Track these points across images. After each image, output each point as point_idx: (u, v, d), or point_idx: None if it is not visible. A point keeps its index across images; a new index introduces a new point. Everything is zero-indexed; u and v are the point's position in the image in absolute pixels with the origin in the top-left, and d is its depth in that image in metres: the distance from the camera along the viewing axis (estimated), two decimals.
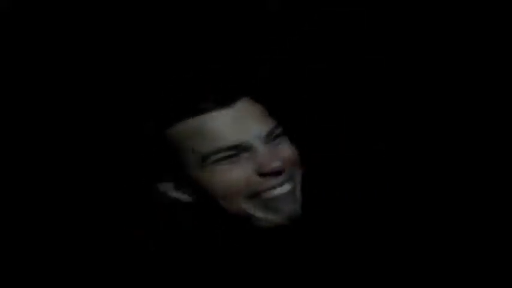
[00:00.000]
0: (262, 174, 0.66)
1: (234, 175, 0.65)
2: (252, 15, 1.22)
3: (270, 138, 0.68)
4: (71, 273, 1.04)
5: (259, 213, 0.66)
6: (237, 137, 0.66)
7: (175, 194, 0.72)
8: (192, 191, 0.70)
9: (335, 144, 1.15)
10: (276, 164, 0.65)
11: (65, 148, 1.16)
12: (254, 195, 0.66)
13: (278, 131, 0.70)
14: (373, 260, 0.73)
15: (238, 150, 0.66)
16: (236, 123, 0.66)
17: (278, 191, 0.67)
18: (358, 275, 0.72)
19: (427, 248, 0.90)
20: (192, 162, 0.67)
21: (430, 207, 1.07)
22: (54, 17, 1.17)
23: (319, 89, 1.22)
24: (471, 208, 1.10)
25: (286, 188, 0.68)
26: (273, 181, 0.66)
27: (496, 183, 1.13)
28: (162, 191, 0.72)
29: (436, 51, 1.22)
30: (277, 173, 0.66)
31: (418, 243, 0.89)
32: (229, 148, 0.66)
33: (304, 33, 1.23)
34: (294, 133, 0.73)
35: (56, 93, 1.19)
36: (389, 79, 1.23)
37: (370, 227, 0.81)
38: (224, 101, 0.67)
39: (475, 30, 1.20)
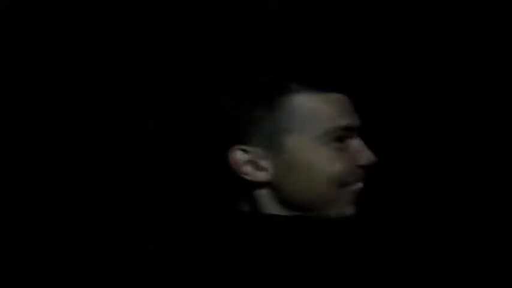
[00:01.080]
0: (359, 166, 0.67)
1: (341, 160, 0.65)
2: (252, 15, 1.22)
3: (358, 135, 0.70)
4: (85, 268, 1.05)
5: (340, 204, 0.67)
6: (352, 120, 0.67)
7: (247, 164, 0.67)
8: (281, 165, 0.66)
9: None
10: (373, 158, 0.67)
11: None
12: (345, 186, 0.66)
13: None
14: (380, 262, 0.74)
15: (346, 134, 0.66)
16: (349, 107, 0.68)
17: (361, 185, 0.68)
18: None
19: (429, 248, 0.90)
20: (309, 135, 0.65)
21: (431, 207, 1.07)
22: (54, 17, 1.17)
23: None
24: (471, 208, 1.10)
25: (362, 185, 0.69)
26: (362, 174, 0.68)
27: (496, 183, 1.13)
28: (233, 160, 0.67)
29: (436, 52, 1.22)
30: (368, 167, 0.67)
31: (421, 243, 0.89)
32: (343, 128, 0.66)
33: (304, 33, 1.23)
34: None
35: (56, 92, 1.19)
36: (390, 79, 1.23)
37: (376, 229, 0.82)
38: (341, 87, 0.69)
39: (475, 31, 1.20)
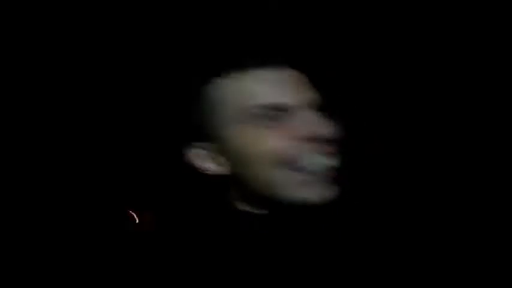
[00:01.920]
0: (308, 140, 0.59)
1: (270, 139, 0.60)
2: (252, 15, 1.22)
3: (315, 108, 0.62)
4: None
5: (293, 185, 0.59)
6: (280, 97, 0.61)
7: (206, 159, 0.65)
8: (228, 155, 0.63)
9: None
10: (328, 130, 0.59)
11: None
12: (292, 162, 0.59)
13: (323, 106, 0.64)
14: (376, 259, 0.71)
15: (279, 112, 0.60)
16: (280, 85, 0.62)
17: (319, 159, 0.59)
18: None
19: (428, 248, 0.89)
20: (230, 119, 0.62)
21: (431, 207, 1.07)
22: (54, 17, 1.17)
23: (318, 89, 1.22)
24: (471, 208, 1.10)
25: (329, 162, 0.60)
26: (317, 148, 0.59)
27: (496, 184, 1.13)
28: (191, 157, 0.65)
29: (436, 52, 1.22)
30: (327, 140, 0.60)
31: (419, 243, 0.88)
32: (269, 107, 0.60)
33: (304, 33, 1.23)
34: None
35: (57, 92, 1.19)
36: (390, 79, 1.23)
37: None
38: (271, 62, 0.63)
39: (475, 31, 1.20)
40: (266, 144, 0.60)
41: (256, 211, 0.64)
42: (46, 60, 1.19)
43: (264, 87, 0.62)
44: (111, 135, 1.15)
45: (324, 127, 0.60)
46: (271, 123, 0.60)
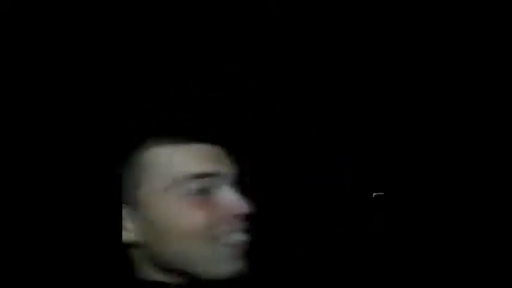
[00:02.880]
0: (228, 218, 0.61)
1: (199, 211, 0.60)
2: (252, 15, 1.21)
3: (234, 184, 0.65)
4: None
5: (215, 261, 0.61)
6: (211, 167, 0.63)
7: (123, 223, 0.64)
8: (141, 222, 0.63)
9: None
10: (244, 208, 0.62)
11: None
12: (214, 239, 0.61)
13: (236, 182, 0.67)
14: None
15: (203, 187, 0.62)
16: (212, 156, 0.64)
17: (238, 236, 0.62)
18: None
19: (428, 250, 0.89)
20: (159, 188, 0.62)
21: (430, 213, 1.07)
22: (54, 17, 1.17)
23: (319, 90, 1.22)
24: (471, 209, 1.10)
25: (244, 237, 0.63)
26: (235, 226, 0.62)
27: (496, 184, 1.13)
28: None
29: (436, 52, 1.22)
30: (244, 218, 0.62)
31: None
32: (199, 176, 0.62)
33: (304, 33, 1.23)
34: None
35: (56, 92, 1.19)
36: (390, 79, 1.23)
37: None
38: (206, 136, 0.65)
39: (475, 31, 1.20)
40: (190, 219, 0.60)
41: (165, 280, 0.63)
42: (46, 60, 1.19)
43: (191, 158, 0.62)
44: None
45: (242, 206, 0.62)
46: (194, 198, 0.61)
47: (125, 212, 0.63)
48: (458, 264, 0.95)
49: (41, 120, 1.14)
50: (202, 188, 0.62)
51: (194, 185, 0.61)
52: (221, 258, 0.61)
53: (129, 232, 0.63)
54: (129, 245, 0.64)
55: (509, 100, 1.18)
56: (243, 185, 0.66)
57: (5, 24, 1.13)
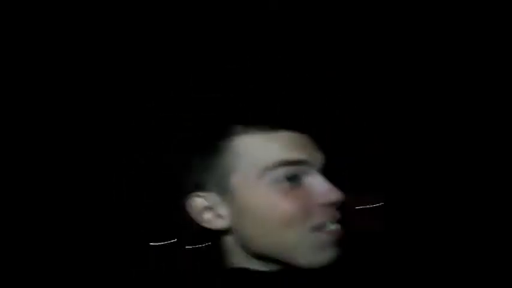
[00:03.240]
0: (323, 205, 0.61)
1: (293, 198, 0.60)
2: (252, 15, 1.21)
3: (322, 171, 0.64)
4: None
5: (308, 249, 0.60)
6: (301, 155, 0.62)
7: (204, 211, 0.64)
8: (235, 209, 0.63)
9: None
10: (337, 196, 0.61)
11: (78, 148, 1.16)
12: (310, 227, 0.60)
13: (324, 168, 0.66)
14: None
15: (296, 171, 0.62)
16: (301, 144, 0.64)
17: (333, 225, 0.61)
18: None
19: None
20: (251, 175, 0.62)
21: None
22: (54, 17, 1.16)
23: (320, 90, 1.22)
24: (471, 209, 1.10)
25: (339, 226, 0.62)
26: (331, 214, 0.61)
27: (496, 184, 1.14)
28: (191, 208, 0.65)
29: (436, 52, 1.22)
30: (337, 206, 0.62)
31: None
32: (288, 163, 0.61)
33: (304, 33, 1.23)
34: None
35: (56, 92, 1.19)
36: (390, 79, 1.23)
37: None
38: (295, 124, 0.65)
39: (475, 31, 1.20)
40: (283, 206, 0.60)
41: (255, 268, 0.63)
42: (46, 60, 1.19)
43: (282, 145, 0.63)
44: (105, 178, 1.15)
45: (336, 194, 0.61)
46: (285, 185, 0.61)
47: (219, 199, 0.64)
48: (457, 264, 0.95)
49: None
50: (292, 175, 0.62)
51: (284, 171, 0.61)
52: (316, 247, 0.60)
53: (224, 219, 0.63)
54: (224, 232, 0.64)
55: (509, 100, 1.18)
56: (330, 173, 0.65)
57: (5, 24, 1.13)
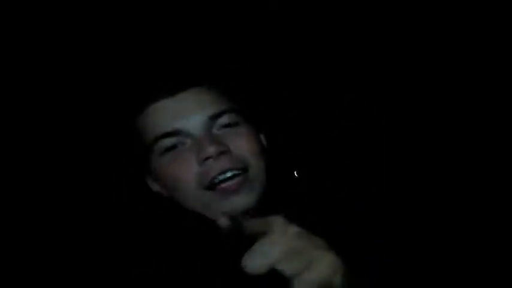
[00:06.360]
0: (202, 161, 0.64)
1: (177, 164, 0.65)
2: (252, 15, 1.22)
3: (216, 124, 0.67)
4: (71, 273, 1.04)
5: (213, 205, 0.65)
6: (174, 124, 0.66)
7: (156, 188, 0.73)
8: (158, 182, 0.72)
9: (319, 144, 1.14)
10: (212, 149, 0.64)
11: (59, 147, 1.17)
12: (208, 187, 0.65)
13: (232, 118, 0.68)
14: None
15: (179, 138, 0.66)
16: (174, 112, 0.66)
17: (226, 176, 0.64)
18: None
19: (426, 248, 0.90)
20: (143, 154, 0.70)
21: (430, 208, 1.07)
22: (54, 17, 1.17)
23: (319, 89, 1.22)
24: (471, 209, 1.10)
25: (236, 180, 0.65)
26: (216, 166, 0.64)
27: (496, 184, 1.13)
28: (149, 182, 0.74)
29: (436, 52, 1.22)
30: (215, 156, 0.64)
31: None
32: (167, 135, 0.66)
33: (304, 33, 1.23)
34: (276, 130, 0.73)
35: (56, 92, 1.19)
36: (389, 79, 1.23)
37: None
38: (166, 91, 0.68)
39: (474, 31, 1.20)
40: (174, 172, 0.66)
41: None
42: (46, 60, 1.19)
43: (155, 118, 0.67)
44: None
45: (211, 145, 0.64)
46: (177, 150, 0.66)
47: (152, 177, 0.72)
48: (457, 263, 0.95)
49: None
50: (172, 145, 0.67)
51: (162, 144, 0.67)
52: (219, 198, 0.65)
53: (163, 189, 0.71)
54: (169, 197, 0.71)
55: (509, 101, 1.18)
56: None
57: (5, 24, 1.13)
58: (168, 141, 0.66)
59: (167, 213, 0.70)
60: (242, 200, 0.64)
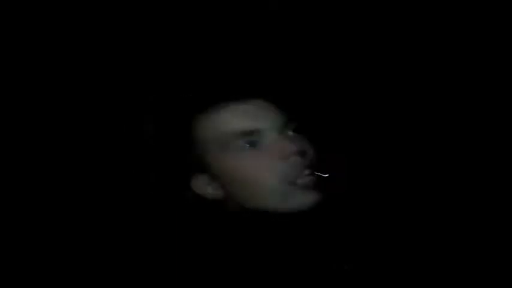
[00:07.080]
0: (287, 157, 0.68)
1: (259, 161, 0.68)
2: (252, 15, 1.22)
3: (286, 129, 0.72)
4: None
5: (292, 199, 0.68)
6: (251, 123, 0.70)
7: (208, 189, 0.74)
8: (217, 181, 0.73)
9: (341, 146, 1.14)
10: (295, 147, 0.68)
11: (72, 146, 1.17)
12: (292, 182, 0.69)
13: (293, 125, 0.74)
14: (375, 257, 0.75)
15: (257, 137, 0.69)
16: (250, 114, 0.71)
17: (304, 178, 0.69)
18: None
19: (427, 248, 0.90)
20: (212, 150, 0.71)
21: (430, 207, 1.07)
22: (54, 17, 1.17)
23: (318, 89, 1.22)
24: (471, 208, 1.10)
25: (313, 178, 0.70)
26: (299, 163, 0.69)
27: (496, 184, 1.13)
28: (195, 186, 0.74)
29: (436, 52, 1.22)
30: (299, 153, 0.69)
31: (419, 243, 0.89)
32: (245, 133, 0.69)
33: (304, 33, 1.23)
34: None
35: (56, 93, 1.19)
36: (389, 79, 1.23)
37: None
38: (240, 97, 0.72)
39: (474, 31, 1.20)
40: (247, 169, 0.68)
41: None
42: (46, 60, 1.19)
43: (235, 117, 0.70)
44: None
45: (293, 143, 0.69)
46: (254, 149, 0.69)
47: (210, 176, 0.73)
48: (456, 263, 0.95)
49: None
50: (251, 142, 0.69)
51: (243, 141, 0.69)
52: (289, 195, 0.68)
53: (217, 190, 0.73)
54: (221, 201, 0.73)
55: (509, 101, 1.18)
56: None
57: (5, 24, 1.14)
58: (247, 140, 0.69)
59: (222, 216, 0.73)
60: (316, 197, 0.69)
